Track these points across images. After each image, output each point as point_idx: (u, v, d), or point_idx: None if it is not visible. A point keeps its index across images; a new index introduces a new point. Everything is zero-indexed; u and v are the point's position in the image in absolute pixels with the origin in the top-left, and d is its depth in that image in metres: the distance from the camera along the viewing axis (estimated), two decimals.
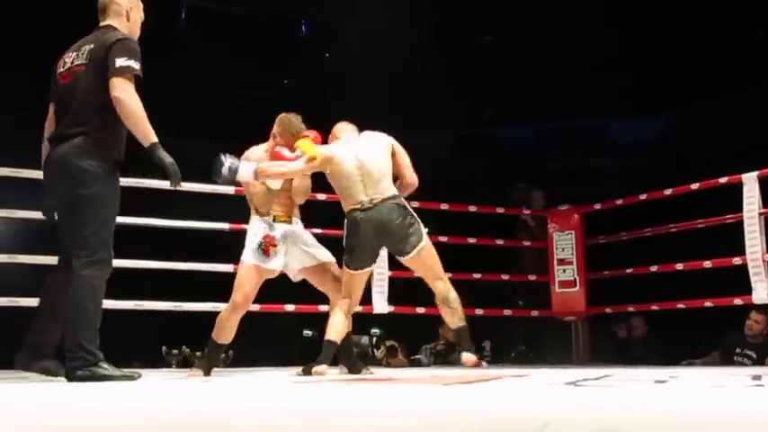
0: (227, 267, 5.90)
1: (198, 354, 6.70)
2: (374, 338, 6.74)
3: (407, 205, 4.53)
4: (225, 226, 6.04)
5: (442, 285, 4.48)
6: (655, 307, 6.73)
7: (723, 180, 6.12)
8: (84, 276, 3.42)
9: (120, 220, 3.73)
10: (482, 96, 10.97)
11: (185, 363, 6.56)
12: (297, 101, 10.17)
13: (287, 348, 7.26)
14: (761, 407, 2.30)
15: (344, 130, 4.77)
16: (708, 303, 6.20)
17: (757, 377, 3.67)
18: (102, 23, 3.59)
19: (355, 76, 9.70)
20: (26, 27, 8.27)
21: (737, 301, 6.02)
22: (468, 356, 4.43)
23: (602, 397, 2.70)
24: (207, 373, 4.58)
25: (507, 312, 7.18)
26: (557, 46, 10.08)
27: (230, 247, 5.68)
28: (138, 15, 3.67)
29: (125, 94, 3.32)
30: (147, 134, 3.37)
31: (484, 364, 4.93)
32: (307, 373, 4.45)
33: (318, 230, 5.42)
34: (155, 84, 3.61)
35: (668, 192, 6.55)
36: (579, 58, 10.19)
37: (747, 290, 5.85)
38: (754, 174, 5.90)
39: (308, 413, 2.22)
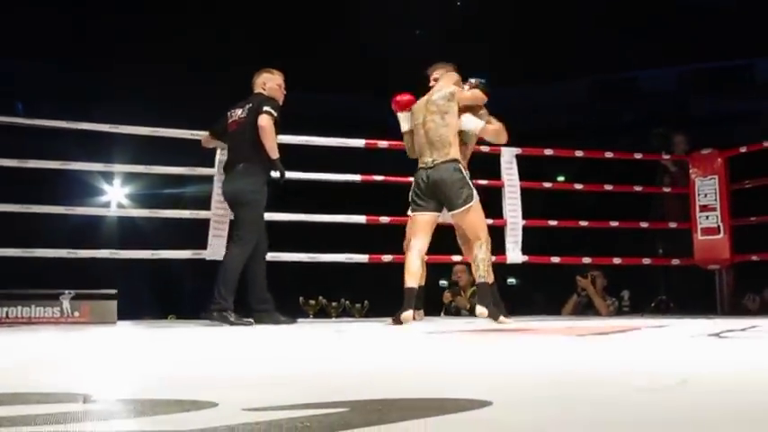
0: (360, 219, 5.95)
1: (333, 303, 6.83)
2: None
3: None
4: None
5: (478, 243, 4.74)
6: None
7: None
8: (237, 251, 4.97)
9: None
10: (623, 40, 10.59)
11: (322, 312, 6.69)
12: (431, 48, 10.10)
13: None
14: None
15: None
16: None
17: None
18: (254, 92, 5.21)
19: (490, 22, 9.52)
20: None
21: None
22: (481, 309, 4.60)
23: (748, 350, 2.57)
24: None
25: (647, 261, 6.96)
26: None
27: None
28: (275, 84, 5.20)
29: (266, 123, 4.89)
30: (273, 151, 4.96)
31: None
32: (396, 322, 4.55)
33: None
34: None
35: None
36: None
37: None
38: None
39: (445, 370, 2.20)
